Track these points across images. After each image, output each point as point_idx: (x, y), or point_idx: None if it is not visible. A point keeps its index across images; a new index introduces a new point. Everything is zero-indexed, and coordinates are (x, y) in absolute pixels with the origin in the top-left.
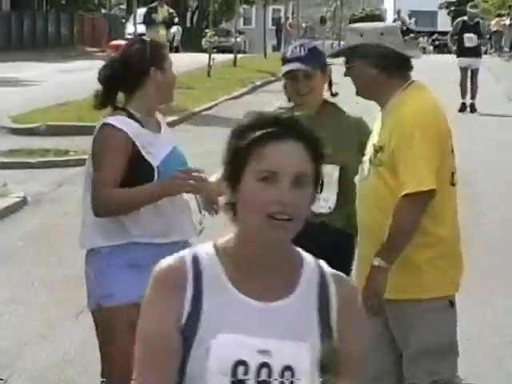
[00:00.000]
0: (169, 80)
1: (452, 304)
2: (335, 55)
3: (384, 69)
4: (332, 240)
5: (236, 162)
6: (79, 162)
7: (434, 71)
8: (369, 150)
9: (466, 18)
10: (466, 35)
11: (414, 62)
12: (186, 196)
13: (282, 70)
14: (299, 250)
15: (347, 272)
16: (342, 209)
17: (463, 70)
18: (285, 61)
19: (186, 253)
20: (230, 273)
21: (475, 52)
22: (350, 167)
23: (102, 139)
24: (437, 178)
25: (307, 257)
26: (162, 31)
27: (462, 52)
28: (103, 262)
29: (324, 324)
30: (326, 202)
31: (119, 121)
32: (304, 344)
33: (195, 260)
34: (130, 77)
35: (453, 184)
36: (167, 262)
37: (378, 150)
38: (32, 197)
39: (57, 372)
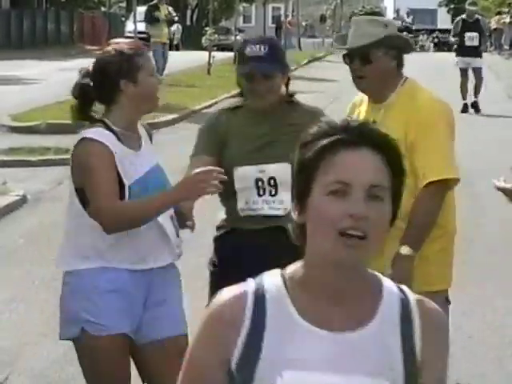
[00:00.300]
0: (144, 91)
1: (448, 301)
2: (365, 47)
3: (399, 62)
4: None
5: (303, 176)
6: None
7: (434, 69)
8: None
9: (464, 16)
10: (468, 34)
11: (414, 59)
12: (161, 220)
13: (238, 69)
14: (376, 273)
15: None
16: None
17: (463, 70)
18: (243, 59)
19: (249, 285)
20: (298, 303)
21: (476, 51)
22: None
23: (86, 155)
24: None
25: (386, 281)
26: (165, 29)
27: (462, 51)
28: (84, 284)
29: (408, 354)
30: (281, 203)
31: (97, 133)
32: (384, 381)
33: (258, 293)
34: (101, 91)
35: None
36: (225, 295)
37: None
38: (32, 195)
39: (57, 370)
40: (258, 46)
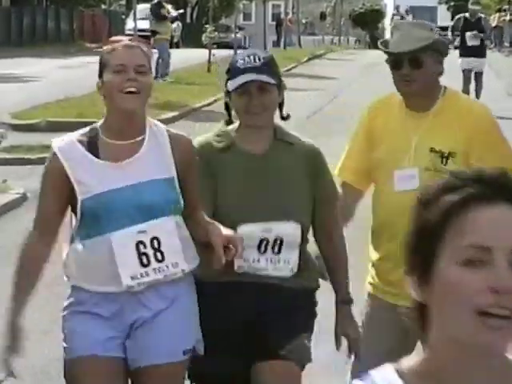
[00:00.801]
0: (107, 89)
1: None
2: (422, 50)
3: (442, 67)
4: (290, 303)
5: (426, 242)
6: None
7: None
8: (424, 157)
9: (467, 14)
10: (468, 33)
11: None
12: (116, 244)
13: (230, 85)
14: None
15: (309, 328)
16: (302, 272)
17: (466, 72)
18: (235, 72)
19: None
20: None
21: (479, 51)
22: (309, 220)
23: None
24: None
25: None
26: (171, 26)
27: (465, 52)
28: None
29: None
30: (287, 263)
31: (59, 141)
32: None
33: None
34: None
35: None
36: None
37: (448, 156)
38: (32, 193)
39: (58, 368)
40: (252, 57)
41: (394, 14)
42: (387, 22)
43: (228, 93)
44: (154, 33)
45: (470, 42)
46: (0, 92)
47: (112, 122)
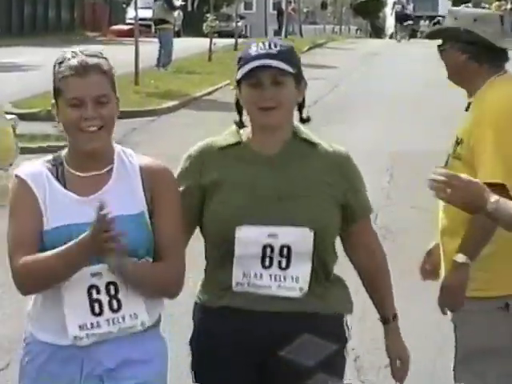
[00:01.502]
0: (64, 124)
1: (508, 306)
2: (430, 35)
3: (473, 56)
4: (312, 333)
5: None
6: None
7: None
8: (451, 142)
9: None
10: None
11: (416, 50)
12: (65, 288)
13: (239, 73)
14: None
15: (336, 367)
16: (316, 290)
17: None
18: (246, 59)
19: None
20: None
21: None
22: (327, 229)
23: (10, 195)
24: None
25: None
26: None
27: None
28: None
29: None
30: (295, 281)
31: (25, 168)
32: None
33: None
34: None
35: None
36: None
37: (459, 142)
38: None
39: None
40: (267, 44)
41: (395, 3)
42: (388, 11)
43: (238, 85)
44: (162, 21)
45: None
46: (1, 81)
47: (75, 155)
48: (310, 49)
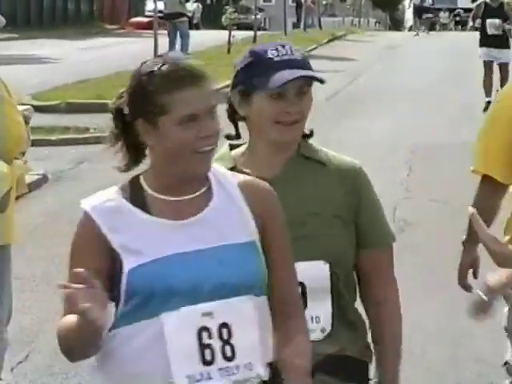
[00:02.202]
0: (172, 148)
1: None
2: None
3: None
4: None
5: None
6: (99, 140)
7: (457, 53)
8: None
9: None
10: (489, 21)
11: (433, 41)
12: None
13: (260, 83)
14: None
15: None
16: (340, 330)
17: (487, 63)
18: (268, 66)
19: None
20: None
21: (501, 41)
22: (344, 259)
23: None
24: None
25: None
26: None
27: (485, 41)
28: None
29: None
30: (316, 321)
31: (93, 200)
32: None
33: None
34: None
35: None
36: None
37: None
38: (52, 174)
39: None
40: (288, 48)
41: None
42: (407, 4)
43: (244, 95)
44: (179, 15)
45: (490, 31)
46: (20, 73)
47: (165, 178)
48: (329, 41)
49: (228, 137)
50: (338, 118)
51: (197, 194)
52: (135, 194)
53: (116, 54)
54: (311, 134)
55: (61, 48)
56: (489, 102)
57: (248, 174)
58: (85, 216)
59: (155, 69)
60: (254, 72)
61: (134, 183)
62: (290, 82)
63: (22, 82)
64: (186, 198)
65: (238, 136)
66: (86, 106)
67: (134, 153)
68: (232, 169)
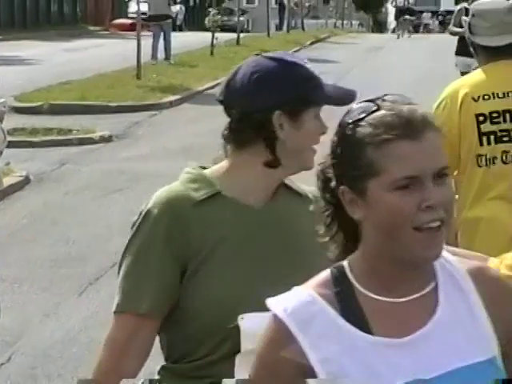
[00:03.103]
0: (383, 222)
1: None
2: None
3: None
4: None
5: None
6: (82, 141)
7: (438, 56)
8: None
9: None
10: None
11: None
12: None
13: (312, 98)
14: None
15: None
16: None
17: (464, 74)
18: (317, 84)
19: None
20: None
21: None
22: None
23: None
24: None
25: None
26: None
27: (464, 49)
28: None
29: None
30: None
31: (286, 304)
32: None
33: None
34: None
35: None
36: None
37: None
38: (35, 175)
39: (60, 350)
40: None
41: None
42: (389, 6)
43: (270, 110)
44: (165, 17)
45: None
46: (3, 74)
47: (380, 267)
48: (312, 43)
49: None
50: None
51: (424, 291)
52: (342, 295)
53: (99, 56)
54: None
55: (44, 49)
56: None
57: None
58: (277, 325)
59: (363, 115)
60: (308, 89)
61: (340, 273)
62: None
63: (4, 83)
64: (410, 298)
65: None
66: (69, 108)
67: (348, 235)
68: (216, 195)
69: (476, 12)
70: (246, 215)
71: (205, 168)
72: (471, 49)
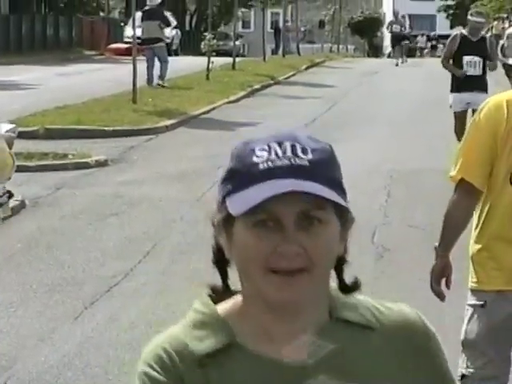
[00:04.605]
0: None
1: (482, 305)
2: None
3: None
4: None
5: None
6: (78, 165)
7: (433, 81)
8: None
9: (465, 31)
10: (467, 58)
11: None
12: None
13: (232, 204)
14: None
15: None
16: None
17: (459, 116)
18: (250, 175)
19: None
20: None
21: (479, 84)
22: None
23: None
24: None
25: None
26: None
27: (460, 84)
28: None
29: None
30: None
31: None
32: None
33: None
34: None
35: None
36: None
37: None
38: (30, 200)
39: (55, 374)
40: (288, 145)
41: (391, 22)
42: (385, 31)
43: (225, 224)
44: (158, 40)
45: (469, 71)
46: None
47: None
48: (308, 67)
49: (212, 292)
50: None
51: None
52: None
53: (95, 80)
54: (356, 286)
55: (39, 73)
56: None
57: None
58: None
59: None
60: (232, 186)
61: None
62: (271, 200)
63: (0, 108)
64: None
65: (227, 290)
66: (65, 132)
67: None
68: (228, 347)
69: (511, 35)
70: (277, 374)
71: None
72: (504, 71)
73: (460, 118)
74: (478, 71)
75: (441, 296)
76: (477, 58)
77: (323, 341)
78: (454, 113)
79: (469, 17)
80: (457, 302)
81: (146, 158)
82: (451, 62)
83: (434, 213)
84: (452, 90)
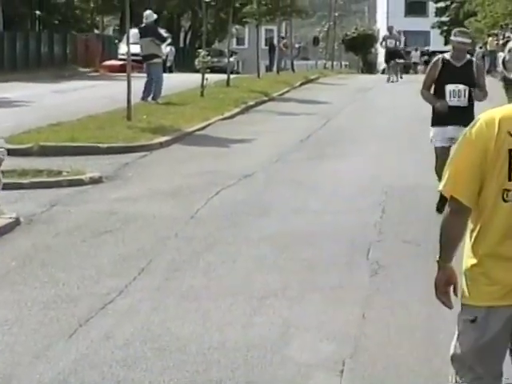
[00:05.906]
0: None
1: (472, 320)
2: None
3: None
4: None
5: None
6: (72, 183)
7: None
8: None
9: (448, 55)
10: (450, 87)
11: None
12: None
13: None
14: None
15: None
16: None
17: (440, 152)
18: None
19: None
20: None
21: (465, 116)
22: None
23: None
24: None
25: None
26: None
27: (442, 116)
28: None
29: None
30: None
31: None
32: None
33: None
34: None
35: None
36: None
37: None
38: (25, 217)
39: None
40: None
41: (384, 38)
42: (379, 47)
43: None
44: (153, 56)
45: (452, 101)
46: None
47: None
48: (302, 84)
49: None
50: (311, 160)
51: None
52: None
53: (89, 97)
54: None
55: (33, 90)
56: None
57: None
58: None
59: None
60: None
61: None
62: None
63: None
64: None
65: None
66: (59, 149)
67: None
68: None
69: None
70: None
71: None
72: (503, 84)
73: (441, 155)
74: (463, 102)
75: (449, 305)
76: (461, 87)
77: None
78: (435, 148)
79: (452, 37)
80: (451, 318)
81: (141, 174)
82: (432, 91)
83: (428, 229)
84: (433, 124)
